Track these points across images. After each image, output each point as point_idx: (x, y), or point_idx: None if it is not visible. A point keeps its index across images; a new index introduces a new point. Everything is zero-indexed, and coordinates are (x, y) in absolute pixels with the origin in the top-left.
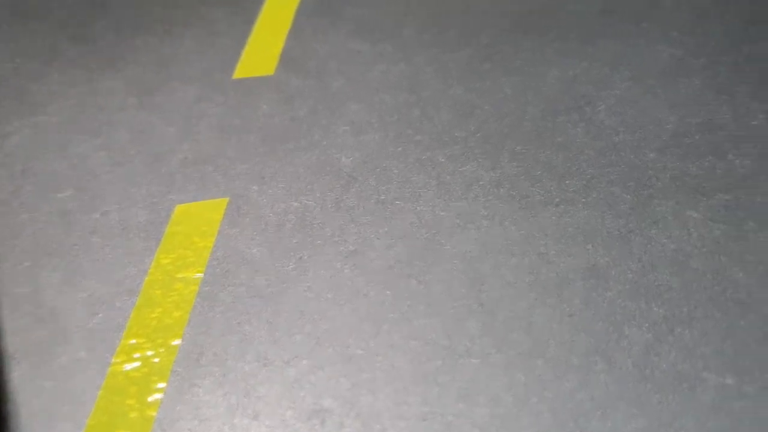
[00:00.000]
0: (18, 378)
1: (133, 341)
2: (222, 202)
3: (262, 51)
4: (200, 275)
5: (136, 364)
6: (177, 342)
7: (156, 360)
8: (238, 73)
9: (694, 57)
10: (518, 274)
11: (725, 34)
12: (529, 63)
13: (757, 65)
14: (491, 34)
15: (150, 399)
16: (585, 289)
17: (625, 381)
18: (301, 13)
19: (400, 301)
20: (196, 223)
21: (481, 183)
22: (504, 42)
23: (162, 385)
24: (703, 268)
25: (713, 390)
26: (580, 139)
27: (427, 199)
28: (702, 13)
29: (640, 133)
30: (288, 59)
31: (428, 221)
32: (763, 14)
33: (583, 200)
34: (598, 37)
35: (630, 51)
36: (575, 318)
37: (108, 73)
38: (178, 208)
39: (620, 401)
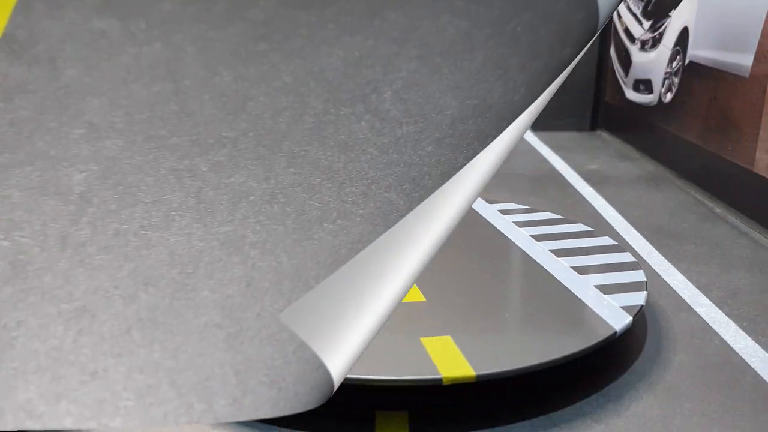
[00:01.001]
0: None
1: None
2: None
3: None
4: None
5: None
6: None
7: None
8: None
9: (479, 28)
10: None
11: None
12: (311, 42)
13: (533, 33)
14: (266, 8)
15: None
16: None
17: None
18: None
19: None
20: None
21: (251, 198)
22: (281, 16)
23: None
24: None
25: None
26: (364, 134)
27: (183, 225)
28: None
29: (421, 123)
30: (10, 43)
31: (182, 257)
32: None
33: (361, 212)
34: (385, 9)
35: (417, 24)
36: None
37: None
38: None
39: None
